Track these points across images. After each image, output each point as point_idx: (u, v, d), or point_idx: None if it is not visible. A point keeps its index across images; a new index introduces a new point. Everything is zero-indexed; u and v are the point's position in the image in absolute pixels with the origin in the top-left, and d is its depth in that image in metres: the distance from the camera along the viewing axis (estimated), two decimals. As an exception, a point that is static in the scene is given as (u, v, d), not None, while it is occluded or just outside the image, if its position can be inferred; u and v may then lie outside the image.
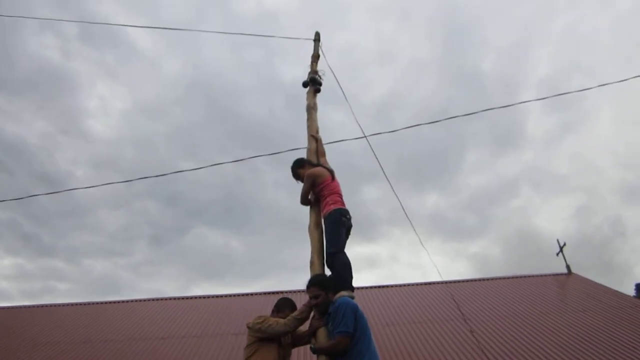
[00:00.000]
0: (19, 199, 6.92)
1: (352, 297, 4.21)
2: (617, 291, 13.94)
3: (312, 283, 4.24)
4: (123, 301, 16.56)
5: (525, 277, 16.41)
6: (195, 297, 16.43)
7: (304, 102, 6.77)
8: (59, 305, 16.58)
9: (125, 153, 57.11)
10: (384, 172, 6.24)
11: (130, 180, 6.97)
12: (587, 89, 7.42)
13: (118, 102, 58.92)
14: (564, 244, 16.62)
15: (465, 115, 7.20)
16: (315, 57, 7.42)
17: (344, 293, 4.17)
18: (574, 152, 59.80)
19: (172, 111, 56.66)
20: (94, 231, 52.30)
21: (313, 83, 6.88)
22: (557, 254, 16.70)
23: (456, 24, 58.02)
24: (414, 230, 6.61)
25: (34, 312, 15.71)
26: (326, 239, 4.79)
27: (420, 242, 6.74)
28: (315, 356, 3.99)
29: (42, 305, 16.63)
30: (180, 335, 12.67)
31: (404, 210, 6.37)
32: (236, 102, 60.52)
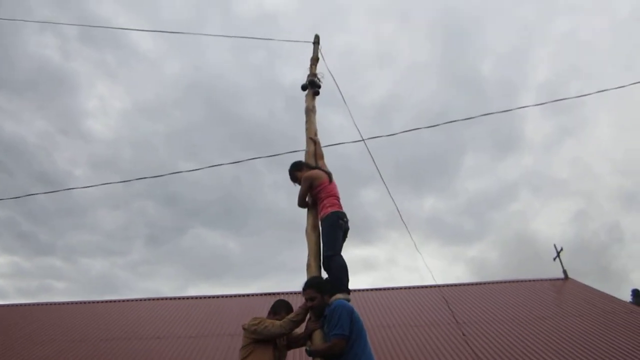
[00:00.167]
0: (17, 197, 6.92)
1: (348, 300, 4.22)
2: (613, 297, 13.98)
3: (308, 285, 4.26)
4: (120, 300, 16.56)
5: (521, 281, 16.46)
6: (192, 298, 16.43)
7: (303, 104, 6.79)
8: (55, 303, 16.57)
9: (124, 153, 57.18)
10: (381, 176, 6.26)
11: (129, 181, 6.99)
12: (586, 94, 7.47)
13: (117, 103, 59.00)
14: (561, 249, 16.71)
15: (464, 119, 7.23)
16: (315, 60, 7.44)
17: (340, 296, 4.19)
18: (573, 157, 60.00)
19: (172, 112, 56.76)
20: (92, 230, 52.35)
21: (312, 86, 6.90)
22: (554, 259, 16.77)
23: (456, 27, 58.22)
24: (409, 233, 6.64)
25: (31, 310, 15.69)
26: (323, 241, 4.80)
27: (415, 246, 6.77)
28: (311, 359, 4.01)
29: (39, 304, 16.62)
30: (177, 335, 12.68)
31: (399, 213, 6.40)
32: (236, 104, 60.65)
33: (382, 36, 65.96)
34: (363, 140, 6.51)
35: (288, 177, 5.67)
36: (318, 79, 7.02)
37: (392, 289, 16.20)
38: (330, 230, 4.79)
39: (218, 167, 7.00)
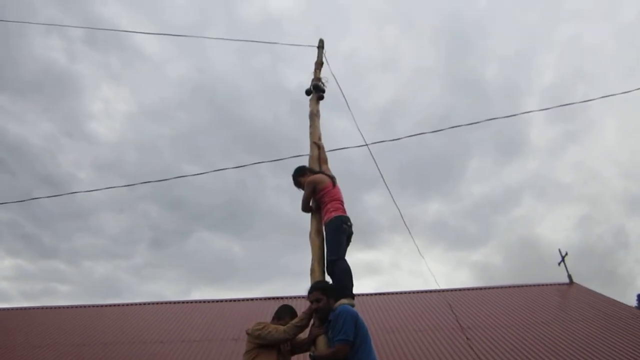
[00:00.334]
0: (21, 201, 6.95)
1: (353, 305, 4.21)
2: (618, 302, 13.89)
3: (314, 287, 4.27)
4: (123, 304, 16.55)
5: (526, 286, 16.38)
6: (195, 302, 16.41)
7: (307, 108, 6.80)
8: (57, 307, 16.59)
9: (129, 156, 57.25)
10: (384, 181, 6.26)
11: (133, 185, 7.00)
12: (592, 99, 7.47)
13: (122, 105, 59.13)
14: (566, 254, 16.63)
15: (468, 124, 7.23)
16: (319, 64, 7.45)
17: (344, 301, 4.17)
18: (578, 161, 59.75)
19: (176, 115, 56.81)
20: (96, 233, 52.31)
21: (316, 90, 6.91)
22: (559, 264, 16.69)
23: (460, 31, 58.19)
24: (412, 238, 6.62)
25: (33, 313, 15.71)
26: (327, 246, 4.79)
27: (418, 250, 6.75)
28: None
29: (42, 307, 16.64)
30: (180, 340, 12.66)
31: (402, 218, 6.39)
32: (240, 107, 60.69)
33: (386, 40, 66.00)
34: (367, 145, 6.51)
35: (292, 181, 5.67)
36: (322, 83, 7.03)
37: (396, 293, 16.16)
38: (334, 234, 4.78)
39: (222, 170, 7.01)
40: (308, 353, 4.15)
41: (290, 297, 14.61)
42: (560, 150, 57.73)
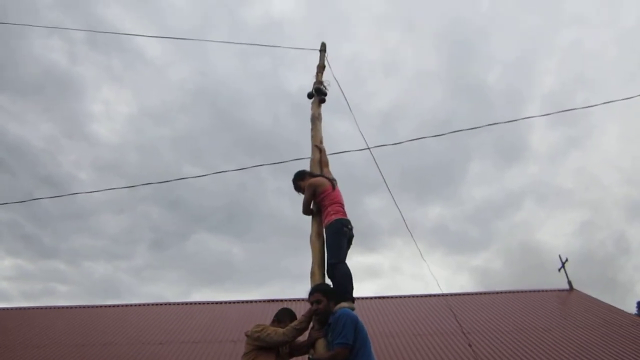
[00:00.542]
0: (22, 201, 6.96)
1: (353, 309, 4.21)
2: (618, 308, 13.87)
3: (315, 289, 4.29)
4: (123, 305, 16.56)
5: (526, 292, 16.36)
6: (195, 303, 16.41)
7: (309, 111, 6.81)
8: (58, 307, 16.60)
9: (130, 158, 57.34)
10: (387, 185, 6.26)
11: (134, 186, 7.01)
12: (593, 105, 7.45)
13: (123, 107, 59.22)
14: (566, 260, 16.60)
15: (470, 129, 7.23)
16: (321, 68, 7.47)
17: (344, 304, 4.18)
18: (579, 167, 59.72)
19: (177, 117, 56.90)
20: (96, 234, 52.35)
21: (318, 93, 6.92)
22: (559, 270, 16.66)
23: (461, 36, 58.25)
24: (414, 242, 6.62)
25: (33, 313, 15.71)
26: (327, 249, 4.79)
27: (421, 254, 6.75)
28: (313, 367, 3.99)
29: (41, 307, 16.65)
30: (179, 341, 12.66)
31: (404, 221, 6.38)
32: (242, 110, 60.78)
33: (387, 45, 66.08)
34: (369, 148, 6.52)
35: (292, 185, 5.69)
36: (324, 86, 7.04)
37: (396, 297, 16.14)
38: (334, 237, 4.79)
39: (222, 173, 7.02)
40: (307, 356, 4.15)
41: (290, 300, 14.60)
42: (561, 155, 57.77)
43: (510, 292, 16.48)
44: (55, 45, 55.46)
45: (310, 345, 4.16)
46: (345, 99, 7.13)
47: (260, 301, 16.05)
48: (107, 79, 58.29)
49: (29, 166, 51.59)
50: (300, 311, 4.39)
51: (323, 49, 7.83)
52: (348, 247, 4.91)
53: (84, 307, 16.51)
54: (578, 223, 55.10)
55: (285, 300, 14.79)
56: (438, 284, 7.73)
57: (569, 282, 16.32)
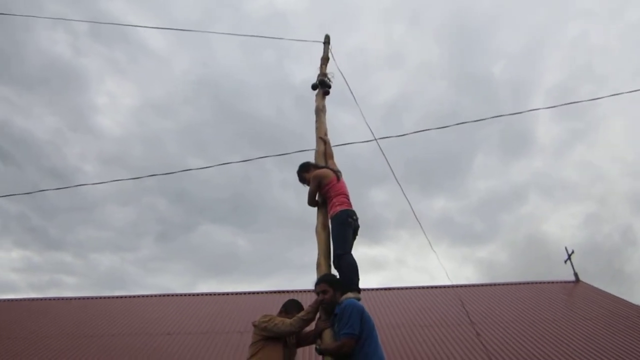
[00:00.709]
0: (28, 193, 7.01)
1: (359, 299, 4.22)
2: (625, 300, 13.83)
3: (322, 279, 4.31)
4: (129, 296, 16.68)
5: (532, 283, 16.34)
6: (201, 294, 16.50)
7: (313, 103, 6.80)
8: (64, 298, 16.74)
9: (134, 150, 57.38)
10: (394, 175, 6.27)
11: (139, 178, 7.04)
12: (600, 98, 7.42)
13: (127, 99, 59.21)
14: (572, 252, 16.54)
15: (474, 121, 7.21)
16: (325, 60, 7.44)
17: (350, 295, 4.19)
18: (585, 159, 59.27)
19: (181, 109, 56.85)
20: (102, 226, 52.57)
21: (322, 85, 6.91)
22: (565, 262, 16.61)
23: (467, 28, 57.73)
24: (424, 232, 6.63)
25: (40, 304, 15.85)
26: (333, 240, 4.81)
27: (430, 244, 6.76)
28: (320, 357, 4.01)
29: (48, 299, 16.80)
30: (186, 332, 12.75)
31: (414, 212, 6.39)
32: (246, 102, 60.64)
33: (392, 36, 65.60)
34: (376, 139, 6.51)
35: (297, 176, 5.70)
36: (328, 78, 7.03)
37: (402, 288, 16.16)
38: (340, 228, 4.80)
39: (227, 164, 7.03)
40: (314, 346, 4.18)
41: (296, 291, 14.65)
42: (567, 148, 57.32)
43: (516, 283, 16.46)
44: (59, 38, 55.45)
45: (317, 335, 4.18)
46: (351, 91, 7.13)
47: (266, 292, 16.11)
48: (110, 71, 58.23)
49: (34, 159, 51.79)
50: (307, 302, 4.41)
51: (327, 41, 7.79)
52: (354, 238, 4.92)
53: (91, 298, 16.64)
54: (584, 215, 54.77)
55: (292, 291, 14.83)
56: (447, 274, 7.75)
57: (575, 274, 16.27)
